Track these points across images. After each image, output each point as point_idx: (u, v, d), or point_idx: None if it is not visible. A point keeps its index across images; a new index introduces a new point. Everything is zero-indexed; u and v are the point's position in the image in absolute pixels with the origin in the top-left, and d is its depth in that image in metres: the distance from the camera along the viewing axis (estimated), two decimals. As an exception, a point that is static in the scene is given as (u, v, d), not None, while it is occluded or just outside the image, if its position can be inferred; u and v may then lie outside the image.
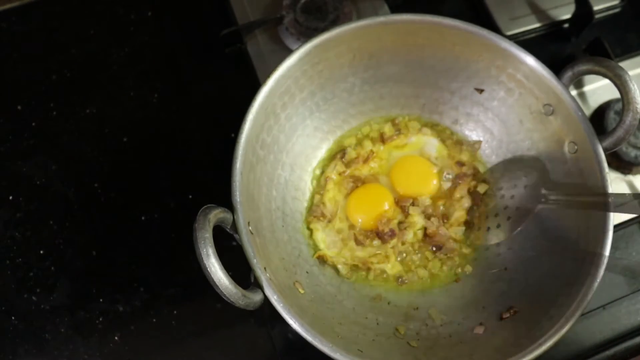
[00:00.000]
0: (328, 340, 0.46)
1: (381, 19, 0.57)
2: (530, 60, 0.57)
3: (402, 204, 0.62)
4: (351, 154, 0.64)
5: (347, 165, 0.63)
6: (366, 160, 0.63)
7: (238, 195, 0.50)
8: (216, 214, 0.47)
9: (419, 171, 0.64)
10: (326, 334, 0.47)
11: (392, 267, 0.60)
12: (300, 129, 0.62)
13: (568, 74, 0.57)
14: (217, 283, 0.44)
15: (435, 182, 0.64)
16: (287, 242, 0.58)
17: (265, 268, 0.49)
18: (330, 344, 0.46)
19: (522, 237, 0.60)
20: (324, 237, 0.61)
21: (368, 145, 0.64)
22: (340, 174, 0.63)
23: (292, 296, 0.52)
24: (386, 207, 0.61)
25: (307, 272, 0.58)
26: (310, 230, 0.61)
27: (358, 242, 0.60)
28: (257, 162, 0.55)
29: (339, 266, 0.60)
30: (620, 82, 0.53)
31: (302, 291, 0.54)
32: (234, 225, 0.50)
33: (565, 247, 0.56)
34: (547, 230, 0.58)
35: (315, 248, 0.61)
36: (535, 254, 0.58)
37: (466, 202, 0.63)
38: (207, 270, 0.43)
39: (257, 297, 0.47)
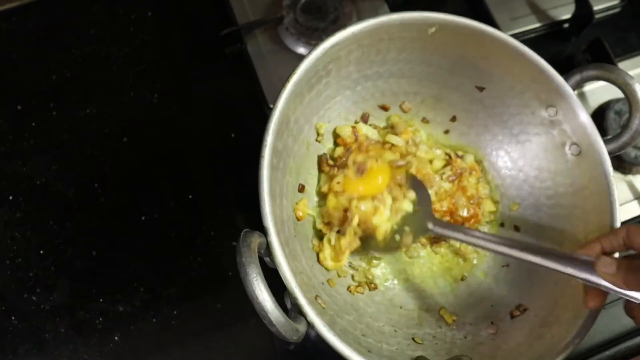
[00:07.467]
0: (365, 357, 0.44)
1: (397, 16, 0.56)
2: (537, 59, 0.57)
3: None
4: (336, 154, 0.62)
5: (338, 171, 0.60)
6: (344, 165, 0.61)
7: (270, 218, 0.46)
8: (256, 241, 0.42)
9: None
10: (358, 351, 0.44)
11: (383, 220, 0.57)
12: (306, 130, 0.60)
13: (576, 78, 0.57)
14: (275, 322, 0.40)
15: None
16: (301, 254, 0.55)
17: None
18: None
19: (518, 235, 0.61)
20: (329, 251, 0.58)
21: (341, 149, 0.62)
22: (333, 189, 0.60)
23: (319, 314, 0.46)
24: (380, 179, 0.57)
25: (322, 283, 0.55)
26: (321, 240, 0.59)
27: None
28: (271, 172, 0.51)
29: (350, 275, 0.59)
30: (629, 90, 0.55)
31: (324, 306, 0.51)
32: (267, 248, 0.46)
33: (565, 244, 0.56)
34: (550, 227, 0.58)
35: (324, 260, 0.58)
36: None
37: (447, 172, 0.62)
38: (264, 311, 0.39)
39: (302, 328, 0.43)
